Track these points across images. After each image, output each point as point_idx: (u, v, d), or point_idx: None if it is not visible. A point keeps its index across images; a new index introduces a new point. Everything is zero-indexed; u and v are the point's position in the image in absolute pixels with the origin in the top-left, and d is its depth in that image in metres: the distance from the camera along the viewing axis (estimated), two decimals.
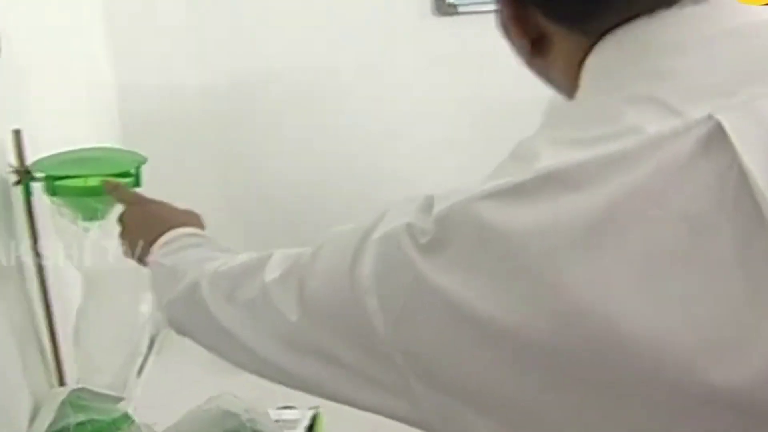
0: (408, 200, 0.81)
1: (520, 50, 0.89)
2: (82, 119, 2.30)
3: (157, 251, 1.26)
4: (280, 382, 0.99)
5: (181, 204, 1.45)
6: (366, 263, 0.80)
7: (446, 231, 0.74)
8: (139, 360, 1.93)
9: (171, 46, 2.59)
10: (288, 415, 2.09)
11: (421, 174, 2.66)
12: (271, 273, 0.96)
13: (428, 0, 2.62)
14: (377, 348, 0.80)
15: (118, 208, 1.66)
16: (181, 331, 1.20)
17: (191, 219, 1.37)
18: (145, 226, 1.35)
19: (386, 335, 0.78)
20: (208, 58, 2.60)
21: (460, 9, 2.60)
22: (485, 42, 2.59)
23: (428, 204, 0.78)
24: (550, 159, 0.72)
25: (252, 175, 2.70)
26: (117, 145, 2.22)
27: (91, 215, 1.68)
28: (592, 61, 0.82)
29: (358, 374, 0.84)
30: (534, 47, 0.86)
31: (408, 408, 0.81)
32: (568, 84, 0.86)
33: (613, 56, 0.79)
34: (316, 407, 2.16)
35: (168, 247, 1.26)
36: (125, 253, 1.40)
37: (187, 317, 1.14)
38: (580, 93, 0.83)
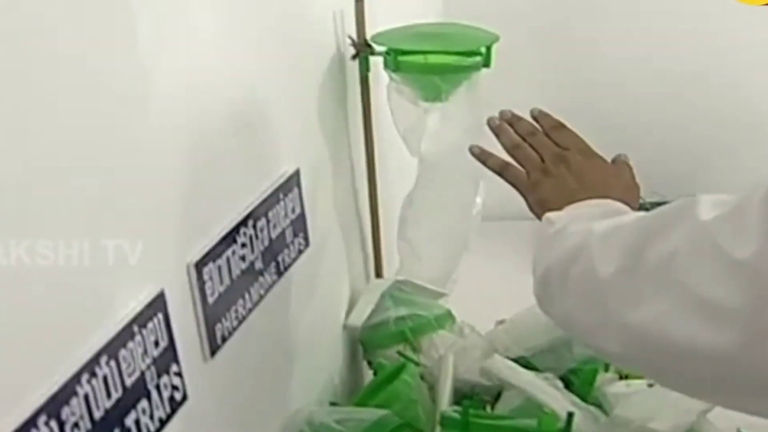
0: None
1: None
2: None
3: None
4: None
5: None
6: None
7: None
8: (464, 254, 1.79)
9: None
10: None
11: None
12: (708, 213, 0.73)
13: None
14: None
15: (462, 90, 1.51)
16: (549, 309, 0.97)
17: (628, 196, 1.12)
18: (578, 182, 1.12)
19: None
20: None
21: None
22: None
23: None
24: None
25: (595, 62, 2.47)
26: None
27: (434, 95, 1.53)
28: None
29: None
30: None
31: None
32: None
33: None
34: None
35: (576, 210, 1.04)
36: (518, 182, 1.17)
37: (563, 291, 0.92)
38: None
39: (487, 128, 1.22)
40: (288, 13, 1.33)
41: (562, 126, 1.18)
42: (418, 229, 1.73)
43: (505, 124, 1.20)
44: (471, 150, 1.22)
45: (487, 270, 2.14)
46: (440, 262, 1.80)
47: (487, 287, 2.06)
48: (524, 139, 1.16)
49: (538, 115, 1.21)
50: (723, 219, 0.71)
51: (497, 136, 1.20)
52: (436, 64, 1.49)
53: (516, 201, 1.15)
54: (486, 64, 1.51)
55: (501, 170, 1.17)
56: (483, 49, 1.50)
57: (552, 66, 2.43)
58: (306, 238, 1.39)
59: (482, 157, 1.20)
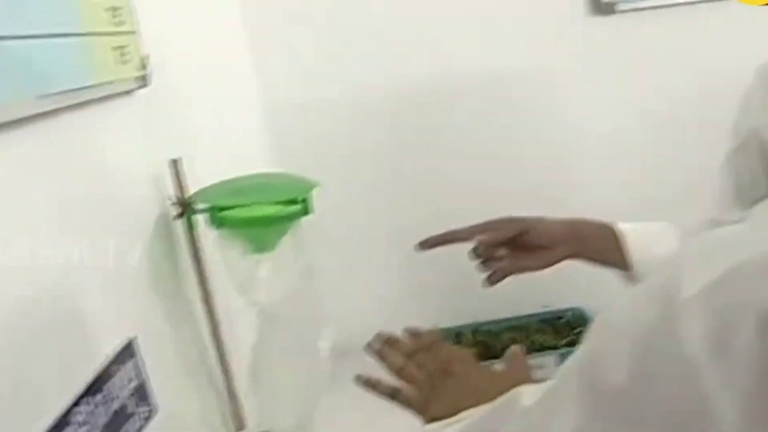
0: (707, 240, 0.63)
1: None
2: (238, 146, 2.20)
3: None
4: None
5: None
6: (688, 331, 0.58)
7: None
8: (321, 399, 1.80)
9: (318, 61, 2.46)
10: None
11: (594, 179, 2.50)
12: (528, 399, 0.77)
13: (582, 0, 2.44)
14: None
15: (289, 238, 1.54)
16: None
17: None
18: (465, 391, 1.15)
19: (734, 419, 0.56)
20: (364, 70, 2.46)
21: (618, 7, 2.41)
22: (646, 42, 2.49)
23: None
24: None
25: (422, 196, 2.54)
26: (274, 170, 2.11)
27: (261, 247, 1.56)
28: None
29: None
30: None
31: None
32: None
33: None
34: None
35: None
36: (411, 405, 1.20)
37: None
38: None
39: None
40: (104, 180, 1.34)
41: (438, 341, 1.23)
42: (269, 379, 1.73)
43: (384, 348, 1.24)
44: (357, 380, 1.26)
45: (350, 408, 2.14)
46: (297, 408, 1.80)
47: (352, 426, 2.06)
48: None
49: (412, 334, 1.26)
50: (539, 404, 0.74)
51: (379, 361, 1.24)
52: (259, 216, 1.52)
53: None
54: (306, 212, 1.54)
55: (392, 396, 1.20)
56: (301, 198, 1.54)
57: (368, 205, 2.51)
58: (150, 405, 1.38)
59: (369, 385, 1.23)
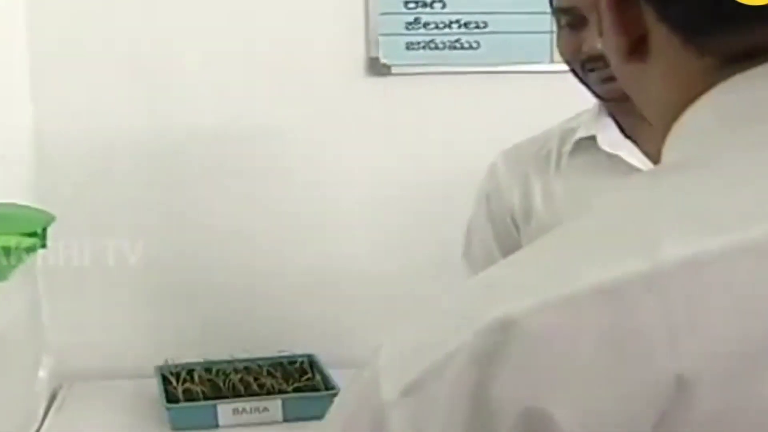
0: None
1: (612, 49, 0.65)
2: None
3: None
4: None
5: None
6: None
7: None
8: (35, 425, 1.80)
9: (97, 98, 2.45)
10: None
11: (350, 242, 2.57)
12: None
13: (361, 60, 2.53)
14: None
15: (20, 269, 1.55)
16: None
17: None
18: None
19: None
20: (137, 113, 2.46)
21: (394, 70, 2.52)
22: (419, 104, 2.58)
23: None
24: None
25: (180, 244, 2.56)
26: (30, 201, 2.10)
27: None
28: (727, 99, 0.59)
29: None
30: (634, 49, 0.63)
31: None
32: (667, 115, 0.63)
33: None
34: None
35: None
36: None
37: None
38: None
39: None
40: None
41: None
42: None
43: None
44: None
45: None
46: None
47: None
48: None
49: None
50: None
51: None
52: None
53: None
54: (43, 244, 1.56)
55: None
56: (39, 230, 1.55)
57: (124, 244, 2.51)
58: None
59: None
